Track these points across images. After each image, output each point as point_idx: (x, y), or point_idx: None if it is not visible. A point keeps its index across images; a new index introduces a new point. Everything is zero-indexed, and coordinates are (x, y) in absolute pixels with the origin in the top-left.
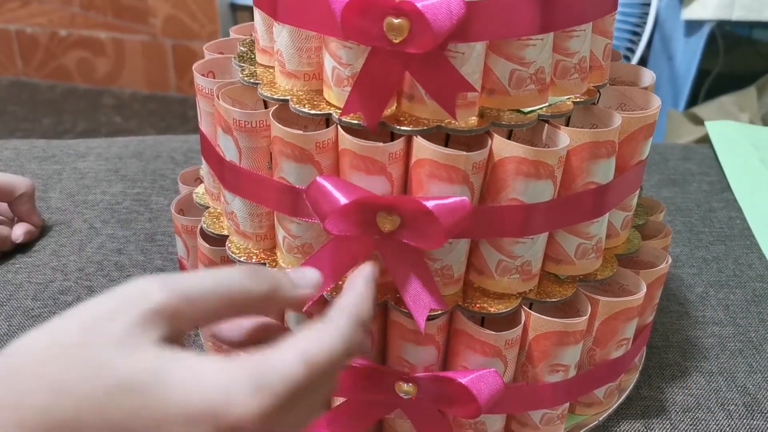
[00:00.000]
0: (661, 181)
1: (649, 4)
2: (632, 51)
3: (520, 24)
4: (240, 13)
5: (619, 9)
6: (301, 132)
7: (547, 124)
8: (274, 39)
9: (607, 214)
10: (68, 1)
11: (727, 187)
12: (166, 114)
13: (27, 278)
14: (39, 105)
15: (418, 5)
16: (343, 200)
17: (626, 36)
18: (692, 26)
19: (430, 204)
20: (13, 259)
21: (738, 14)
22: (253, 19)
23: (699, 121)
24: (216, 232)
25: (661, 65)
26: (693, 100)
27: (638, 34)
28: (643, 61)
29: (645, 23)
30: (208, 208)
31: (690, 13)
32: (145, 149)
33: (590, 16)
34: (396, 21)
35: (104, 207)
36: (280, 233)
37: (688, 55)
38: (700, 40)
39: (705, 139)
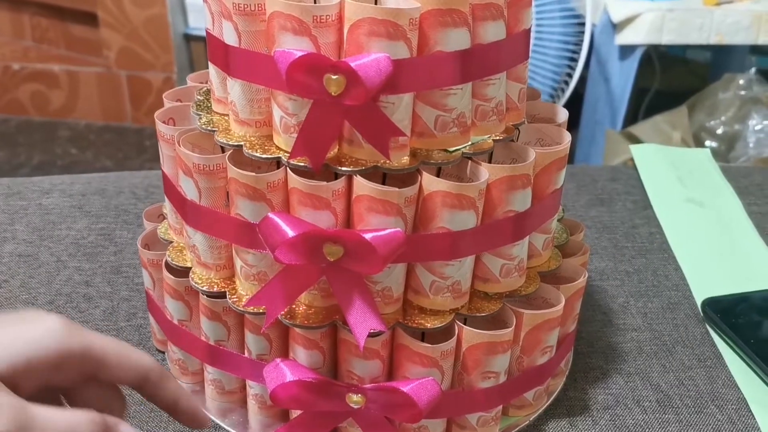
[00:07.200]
0: (590, 201)
1: (583, 32)
2: (570, 75)
3: (442, 76)
4: (194, 44)
5: (558, 34)
6: (253, 174)
7: (470, 161)
8: (228, 91)
9: (527, 237)
10: (20, 34)
11: (649, 205)
12: (123, 144)
13: None
14: None
15: (352, 64)
16: (291, 233)
17: (565, 62)
18: (626, 50)
19: (368, 236)
20: None
21: (667, 38)
22: (206, 52)
23: (635, 140)
24: (180, 265)
25: (598, 87)
26: (633, 117)
27: (575, 60)
28: (582, 82)
29: (581, 47)
30: (171, 242)
31: (623, 38)
32: (107, 186)
33: (504, 66)
34: (334, 77)
35: (70, 242)
36: (238, 263)
37: (623, 77)
38: (633, 62)
39: None
